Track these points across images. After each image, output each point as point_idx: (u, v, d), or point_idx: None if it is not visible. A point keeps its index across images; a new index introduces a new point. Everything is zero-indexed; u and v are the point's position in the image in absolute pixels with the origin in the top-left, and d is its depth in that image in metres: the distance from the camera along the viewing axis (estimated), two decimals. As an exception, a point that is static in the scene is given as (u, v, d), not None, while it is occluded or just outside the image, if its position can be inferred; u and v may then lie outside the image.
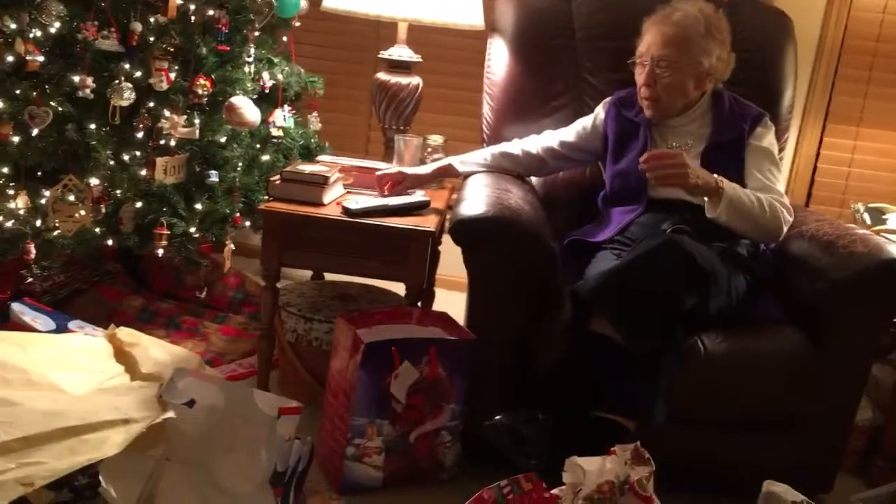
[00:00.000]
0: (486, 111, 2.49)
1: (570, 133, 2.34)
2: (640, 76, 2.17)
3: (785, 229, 2.08)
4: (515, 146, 2.33)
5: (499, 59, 2.47)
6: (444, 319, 2.05)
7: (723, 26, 2.16)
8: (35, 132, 2.22)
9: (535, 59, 2.45)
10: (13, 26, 2.24)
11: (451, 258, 2.38)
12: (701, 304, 1.86)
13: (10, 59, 2.26)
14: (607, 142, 2.27)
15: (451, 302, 2.48)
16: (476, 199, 1.99)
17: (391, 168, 2.32)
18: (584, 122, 2.33)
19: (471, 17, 2.42)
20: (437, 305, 2.51)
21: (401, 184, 2.28)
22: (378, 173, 2.30)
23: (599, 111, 2.32)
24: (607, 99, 2.32)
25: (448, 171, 2.35)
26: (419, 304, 2.18)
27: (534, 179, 2.44)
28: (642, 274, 1.83)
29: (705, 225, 2.04)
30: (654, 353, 1.83)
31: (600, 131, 2.30)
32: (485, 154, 2.34)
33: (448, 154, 2.46)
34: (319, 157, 2.52)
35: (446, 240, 2.42)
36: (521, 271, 1.95)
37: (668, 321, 1.83)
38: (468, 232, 1.93)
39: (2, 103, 2.24)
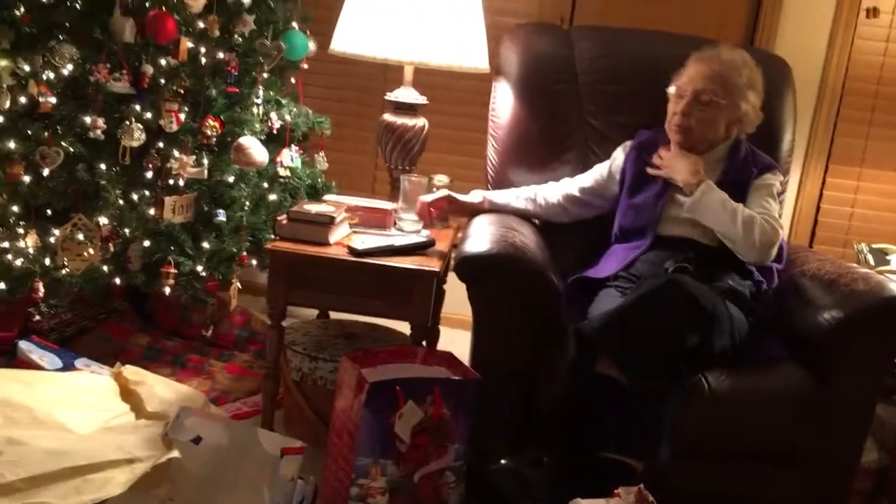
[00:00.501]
0: (491, 153, 2.53)
1: (588, 178, 2.39)
2: (676, 105, 2.21)
3: (770, 247, 2.09)
4: (537, 192, 2.38)
5: (503, 103, 2.51)
6: (449, 359, 2.06)
7: (760, 80, 2.23)
8: (46, 172, 2.26)
9: (539, 103, 2.49)
10: (27, 68, 2.29)
11: (456, 296, 2.39)
12: (704, 343, 1.87)
13: (23, 100, 2.30)
14: (623, 183, 2.32)
15: (456, 340, 2.49)
16: (481, 237, 2.03)
17: (439, 192, 2.34)
18: (602, 168, 2.39)
19: (476, 60, 2.45)
20: (442, 344, 2.52)
21: (445, 210, 2.33)
22: (423, 198, 2.33)
23: (618, 154, 2.36)
24: (627, 142, 2.37)
25: (482, 207, 2.38)
26: (424, 343, 2.19)
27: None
28: (645, 314, 1.85)
29: (709, 265, 2.06)
30: (657, 391, 1.83)
31: (617, 176, 2.35)
32: (514, 195, 2.39)
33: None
34: (326, 197, 2.54)
35: (451, 278, 2.44)
36: (525, 307, 1.97)
37: (671, 361, 1.84)
38: (473, 268, 1.96)
39: (14, 144, 2.28)
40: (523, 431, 1.98)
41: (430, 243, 2.22)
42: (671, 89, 2.23)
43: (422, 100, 2.54)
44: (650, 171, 2.22)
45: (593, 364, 1.89)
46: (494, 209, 2.36)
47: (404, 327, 2.25)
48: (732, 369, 1.94)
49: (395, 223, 2.36)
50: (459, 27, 2.40)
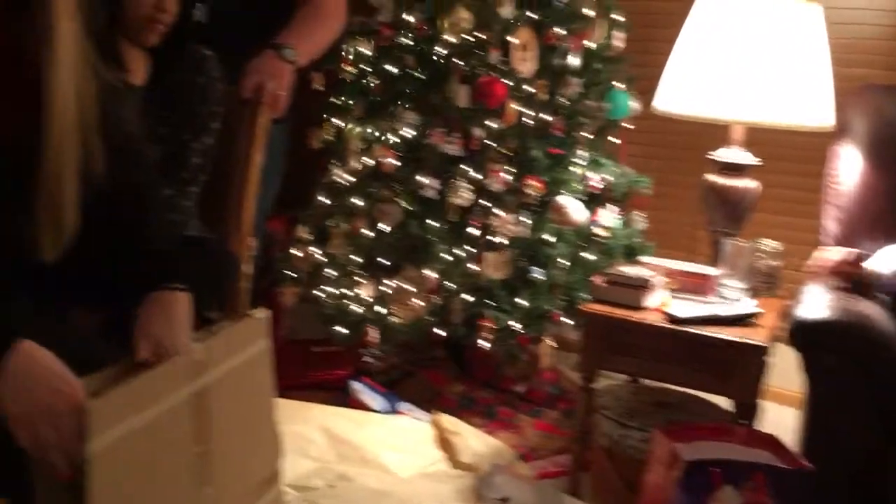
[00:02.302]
0: (829, 221, 2.31)
1: None
2: None
3: None
4: None
5: (847, 169, 2.29)
6: (774, 443, 1.88)
7: None
8: (384, 227, 2.46)
9: (893, 175, 2.25)
10: (374, 133, 2.54)
11: (782, 368, 2.20)
12: None
13: (368, 161, 2.55)
14: None
15: (780, 420, 2.28)
16: (818, 302, 1.87)
17: (847, 250, 2.17)
18: None
19: (820, 118, 2.24)
20: (765, 422, 2.32)
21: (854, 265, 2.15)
22: (832, 258, 2.15)
23: None
24: None
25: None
26: (745, 420, 2.03)
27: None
28: None
29: None
30: None
31: None
32: None
33: (785, 261, 2.32)
34: (643, 259, 2.48)
35: (779, 350, 2.25)
36: (870, 386, 1.75)
37: None
38: (809, 333, 1.80)
39: (360, 201, 2.53)
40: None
41: (756, 313, 2.07)
42: None
43: (752, 160, 2.39)
44: None
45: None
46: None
47: (722, 400, 2.11)
48: None
49: (716, 290, 2.24)
50: (800, 82, 2.22)
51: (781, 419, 2.36)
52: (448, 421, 2.27)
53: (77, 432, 0.99)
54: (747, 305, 2.12)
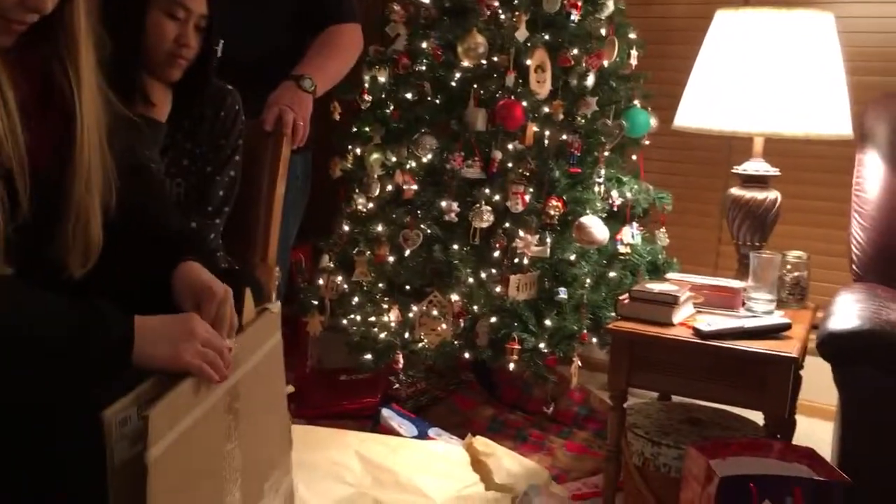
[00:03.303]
0: (856, 230, 2.29)
1: None
2: None
3: None
4: None
5: (872, 177, 2.28)
6: (811, 456, 1.85)
7: None
8: (407, 253, 2.47)
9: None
10: (394, 159, 2.56)
11: (814, 382, 2.18)
12: None
13: (389, 188, 2.57)
14: None
15: (815, 433, 2.26)
16: (848, 312, 1.85)
17: None
18: None
19: (837, 126, 2.25)
20: (799, 436, 2.29)
21: None
22: None
23: None
24: None
25: None
26: (778, 434, 2.01)
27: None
28: None
29: None
30: None
31: None
32: None
33: (811, 271, 2.29)
34: (668, 275, 2.47)
35: (809, 362, 2.23)
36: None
37: None
38: (840, 347, 1.78)
39: (382, 227, 2.54)
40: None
41: (785, 325, 2.05)
42: None
43: (773, 171, 2.38)
44: None
45: None
46: None
47: (754, 415, 2.09)
48: None
49: (743, 303, 2.22)
50: (817, 92, 2.22)
51: (815, 433, 2.34)
52: (481, 443, 2.26)
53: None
54: (776, 317, 2.10)
